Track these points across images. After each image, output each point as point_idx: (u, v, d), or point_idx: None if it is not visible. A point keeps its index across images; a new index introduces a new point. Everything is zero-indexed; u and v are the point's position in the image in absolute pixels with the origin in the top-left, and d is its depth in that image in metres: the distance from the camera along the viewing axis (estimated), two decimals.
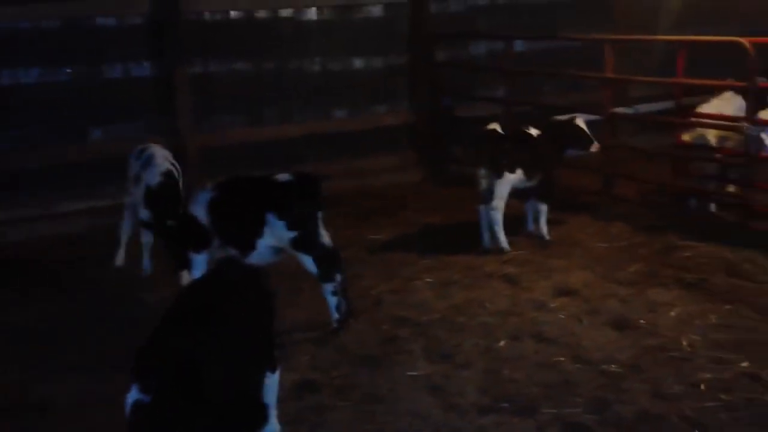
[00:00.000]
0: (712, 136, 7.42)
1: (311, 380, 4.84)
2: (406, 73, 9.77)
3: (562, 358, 4.98)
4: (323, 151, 9.37)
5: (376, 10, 9.47)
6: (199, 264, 5.55)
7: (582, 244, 7.08)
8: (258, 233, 5.33)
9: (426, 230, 7.77)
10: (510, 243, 6.95)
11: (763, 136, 6.59)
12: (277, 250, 5.45)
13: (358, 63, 9.49)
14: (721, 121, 7.34)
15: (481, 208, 6.94)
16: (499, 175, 6.77)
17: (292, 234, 5.30)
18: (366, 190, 9.29)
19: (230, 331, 3.43)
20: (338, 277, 5.50)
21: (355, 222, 8.10)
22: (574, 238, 7.25)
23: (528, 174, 6.95)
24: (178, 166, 6.62)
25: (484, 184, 6.86)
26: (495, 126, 6.99)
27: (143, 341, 3.18)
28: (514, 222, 7.31)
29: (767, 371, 4.63)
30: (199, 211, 5.51)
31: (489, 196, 6.84)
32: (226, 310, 3.47)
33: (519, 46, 9.91)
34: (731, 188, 7.53)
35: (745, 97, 7.16)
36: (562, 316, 5.59)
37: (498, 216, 6.83)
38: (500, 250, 6.88)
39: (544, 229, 7.17)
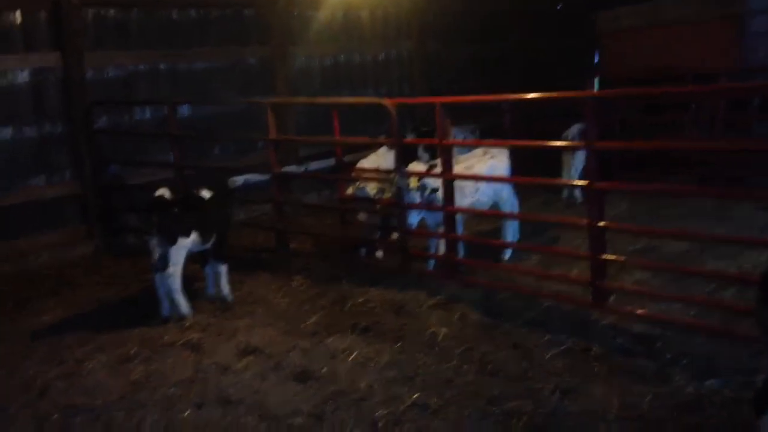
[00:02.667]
0: (371, 188, 8.05)
1: None
2: (66, 141, 9.12)
3: (249, 418, 4.95)
4: None
5: (22, 76, 8.73)
6: None
7: (264, 301, 7.17)
8: None
9: (100, 306, 7.27)
10: (191, 308, 6.78)
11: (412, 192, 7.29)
12: None
13: (4, 132, 8.62)
14: (376, 175, 8.00)
15: (157, 276, 6.68)
16: (172, 242, 6.59)
17: None
18: (29, 271, 8.46)
19: None
20: None
21: (14, 309, 7.28)
22: (256, 295, 7.31)
23: (202, 237, 6.87)
24: None
25: (157, 251, 6.62)
26: (164, 191, 6.80)
27: None
28: (195, 286, 7.17)
29: (434, 399, 5.06)
30: None
31: (163, 263, 6.61)
32: None
33: (184, 111, 9.87)
34: (394, 235, 8.19)
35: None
36: (248, 376, 5.57)
37: (175, 283, 6.63)
38: (181, 317, 6.67)
39: (225, 290, 7.12)
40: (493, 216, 8.23)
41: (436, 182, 7.23)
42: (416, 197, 7.25)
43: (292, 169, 9.21)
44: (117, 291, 7.68)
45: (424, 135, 10.15)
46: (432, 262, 7.66)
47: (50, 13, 8.87)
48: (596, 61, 14.54)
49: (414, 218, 7.28)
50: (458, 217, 7.40)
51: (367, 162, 8.44)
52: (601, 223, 6.19)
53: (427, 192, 7.21)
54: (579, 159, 9.42)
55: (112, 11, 9.48)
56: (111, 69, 9.52)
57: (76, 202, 9.24)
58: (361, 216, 8.21)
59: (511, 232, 7.97)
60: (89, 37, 9.22)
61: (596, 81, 8.87)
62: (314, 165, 9.53)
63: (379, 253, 8.31)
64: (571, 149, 9.53)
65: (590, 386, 5.11)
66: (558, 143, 7.27)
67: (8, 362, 6.04)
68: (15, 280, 8.16)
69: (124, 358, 5.94)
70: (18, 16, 8.66)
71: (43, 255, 8.73)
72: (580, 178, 9.99)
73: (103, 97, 9.28)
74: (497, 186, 7.74)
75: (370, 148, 8.91)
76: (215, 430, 4.82)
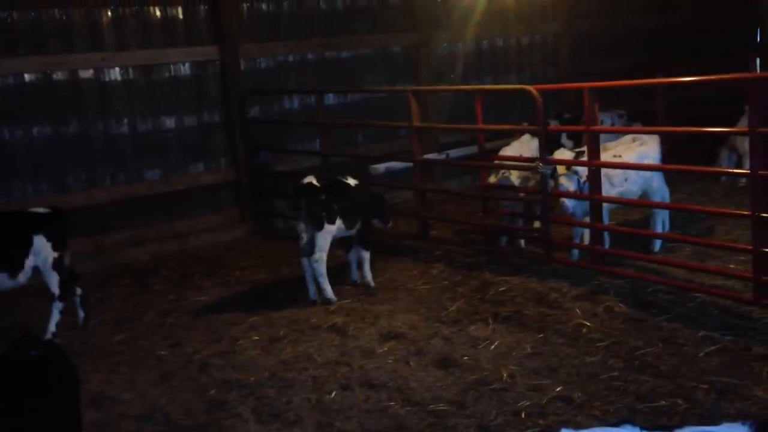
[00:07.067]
0: (514, 176, 7.94)
1: None
2: (222, 130, 9.66)
3: (392, 403, 5.05)
4: (139, 215, 9.01)
5: (184, 69, 9.31)
6: None
7: (405, 287, 7.28)
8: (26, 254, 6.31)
9: (252, 287, 7.66)
10: (336, 292, 7.00)
11: (564, 180, 7.13)
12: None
13: (169, 122, 9.25)
14: (520, 162, 7.88)
15: (304, 260, 6.95)
16: (319, 227, 6.82)
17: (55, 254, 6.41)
18: (188, 251, 9.07)
19: (32, 417, 3.18)
20: (78, 292, 6.75)
21: (177, 286, 7.84)
22: (398, 282, 7.43)
23: (348, 223, 7.07)
24: None
25: (304, 237, 6.89)
26: (311, 179, 7.06)
27: None
28: (339, 271, 7.39)
29: (578, 393, 4.95)
30: None
31: (310, 248, 6.86)
32: (26, 396, 3.21)
33: (330, 99, 10.15)
34: (536, 224, 8.05)
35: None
36: (390, 361, 5.69)
37: (321, 268, 6.87)
38: (326, 301, 6.90)
39: (368, 276, 7.29)
40: (642, 205, 7.89)
41: (584, 170, 7.02)
42: (570, 185, 7.06)
43: (434, 156, 9.25)
44: (267, 273, 8.06)
45: (567, 121, 9.88)
46: (576, 252, 7.47)
47: (209, 7, 9.39)
48: (759, 39, 13.55)
49: (574, 205, 7.11)
50: (605, 206, 7.16)
51: (510, 149, 8.31)
52: (766, 214, 5.79)
53: (583, 180, 7.01)
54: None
55: (265, 4, 9.89)
56: (263, 60, 9.95)
57: (231, 187, 9.77)
58: (506, 204, 8.13)
59: (660, 222, 7.61)
60: (243, 29, 9.67)
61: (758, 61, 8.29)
62: (455, 152, 9.53)
63: (521, 242, 8.20)
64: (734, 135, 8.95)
65: (750, 388, 4.82)
66: (715, 129, 6.79)
67: (175, 335, 6.53)
68: (179, 259, 8.79)
69: (274, 338, 6.23)
70: (180, 11, 9.23)
71: (202, 236, 9.32)
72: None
73: (255, 87, 9.74)
74: (647, 175, 7.40)
75: (513, 135, 8.77)
76: (360, 412, 4.95)
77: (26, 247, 6.31)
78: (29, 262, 6.33)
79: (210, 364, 5.83)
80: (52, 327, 6.42)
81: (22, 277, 6.36)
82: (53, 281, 6.42)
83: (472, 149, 9.04)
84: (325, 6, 10.43)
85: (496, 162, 8.15)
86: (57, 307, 6.46)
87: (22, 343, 3.70)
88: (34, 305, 6.91)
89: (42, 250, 6.35)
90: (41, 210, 6.61)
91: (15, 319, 6.75)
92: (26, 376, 3.42)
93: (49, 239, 6.37)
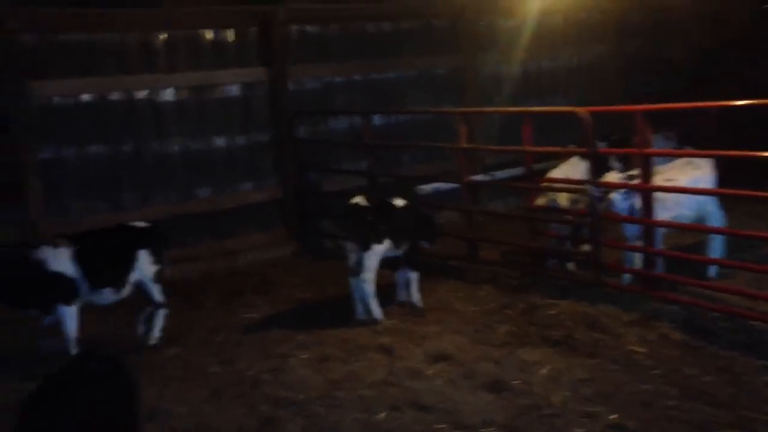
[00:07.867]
0: (562, 199, 7.88)
1: None
2: (270, 149, 9.78)
3: (443, 425, 5.01)
4: (188, 233, 9.15)
5: (234, 89, 9.47)
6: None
7: (453, 308, 7.24)
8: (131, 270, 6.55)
9: (300, 306, 7.70)
10: (383, 313, 7.00)
11: (616, 197, 7.07)
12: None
13: (219, 141, 9.41)
14: (569, 185, 7.82)
15: (352, 280, 6.97)
16: (367, 248, 6.85)
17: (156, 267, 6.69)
18: (236, 269, 9.15)
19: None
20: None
21: (227, 302, 7.92)
22: (445, 303, 7.40)
23: (395, 243, 7.08)
24: None
25: (352, 257, 6.91)
26: (360, 199, 7.10)
27: None
28: (387, 292, 7.39)
29: (633, 421, 4.86)
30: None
31: (358, 268, 6.89)
32: (85, 412, 3.26)
33: (376, 120, 10.21)
34: (586, 247, 7.96)
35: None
36: (439, 383, 5.65)
37: (369, 287, 6.88)
38: (374, 321, 6.90)
39: (415, 296, 7.28)
40: (696, 230, 7.75)
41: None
42: (619, 198, 7.00)
43: (481, 177, 9.22)
44: (314, 292, 8.10)
45: (616, 142, 9.77)
46: (627, 276, 7.35)
47: (259, 30, 9.56)
48: None
49: (633, 229, 7.09)
50: (658, 230, 7.05)
51: (559, 172, 8.26)
52: None
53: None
54: None
55: (313, 27, 10.03)
56: (310, 81, 10.08)
57: (278, 206, 9.87)
58: (554, 227, 8.07)
59: (716, 247, 7.46)
60: (291, 51, 9.82)
61: None
62: (500, 173, 9.49)
63: (571, 265, 8.11)
64: None
65: None
66: None
67: (224, 351, 6.59)
68: (227, 276, 8.87)
69: (323, 357, 6.24)
70: (231, 34, 9.42)
71: (249, 255, 9.41)
72: None
73: (302, 108, 9.85)
74: (701, 199, 7.28)
75: (560, 157, 8.72)
76: None
77: (131, 263, 6.56)
78: (133, 277, 6.58)
79: (260, 380, 5.86)
80: (157, 332, 6.75)
81: (125, 292, 6.61)
82: (156, 291, 6.72)
83: (518, 170, 9.00)
84: (372, 28, 10.53)
85: (544, 184, 8.10)
86: (162, 313, 6.77)
87: (83, 358, 3.76)
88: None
89: (145, 265, 6.62)
90: (142, 224, 6.85)
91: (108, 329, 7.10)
92: (87, 390, 3.47)
93: (151, 254, 6.64)
